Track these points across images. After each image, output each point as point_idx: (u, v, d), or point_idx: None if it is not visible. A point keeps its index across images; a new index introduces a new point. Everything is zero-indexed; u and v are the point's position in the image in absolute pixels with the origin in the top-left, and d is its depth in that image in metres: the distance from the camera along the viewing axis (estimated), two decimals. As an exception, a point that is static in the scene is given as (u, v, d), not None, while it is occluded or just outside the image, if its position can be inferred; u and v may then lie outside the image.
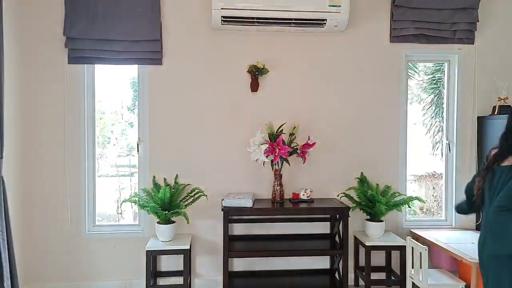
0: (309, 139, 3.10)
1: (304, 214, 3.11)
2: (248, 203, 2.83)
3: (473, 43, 3.33)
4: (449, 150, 3.45)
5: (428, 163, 4.32)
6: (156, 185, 3.05)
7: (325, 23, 3.06)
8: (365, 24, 3.30)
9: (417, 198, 3.15)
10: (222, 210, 2.83)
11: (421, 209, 6.26)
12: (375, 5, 3.30)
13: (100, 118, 3.98)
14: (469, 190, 2.07)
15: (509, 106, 3.20)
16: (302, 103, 3.29)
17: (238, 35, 3.23)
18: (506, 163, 1.84)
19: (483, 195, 1.90)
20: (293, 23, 3.04)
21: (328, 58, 3.30)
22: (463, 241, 3.00)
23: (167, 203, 2.82)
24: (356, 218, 3.25)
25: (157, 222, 2.94)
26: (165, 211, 2.80)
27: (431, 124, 5.94)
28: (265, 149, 2.91)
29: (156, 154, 3.19)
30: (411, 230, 3.31)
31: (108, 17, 3.04)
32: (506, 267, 1.74)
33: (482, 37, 3.34)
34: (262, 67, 3.17)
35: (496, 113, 3.24)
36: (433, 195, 5.27)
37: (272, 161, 3.01)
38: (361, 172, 3.33)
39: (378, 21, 3.31)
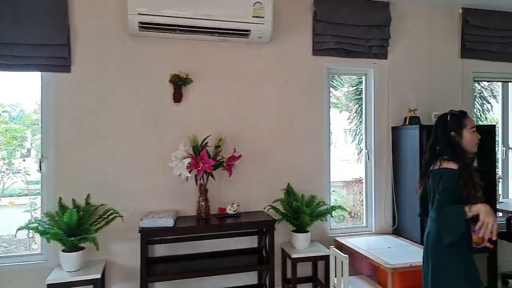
0: (235, 151, 3.02)
1: (230, 229, 3.01)
2: (169, 223, 2.65)
3: (386, 58, 3.54)
4: (368, 159, 3.62)
5: (355, 168, 4.53)
6: (63, 207, 2.70)
7: (249, 34, 3.02)
8: (289, 36, 3.34)
9: (339, 207, 3.24)
10: (139, 232, 2.61)
11: (349, 213, 6.56)
12: (298, 19, 3.35)
13: (6, 131, 3.51)
14: (420, 196, 2.33)
15: (418, 117, 3.46)
16: (228, 114, 3.21)
17: (159, 42, 3.05)
18: (434, 167, 2.07)
19: (428, 197, 2.15)
20: (217, 32, 2.95)
21: (253, 69, 3.27)
22: (381, 246, 3.15)
23: (74, 227, 2.50)
24: (284, 230, 3.25)
25: (62, 250, 2.59)
26: (72, 237, 2.48)
27: (356, 133, 6.30)
28: (188, 163, 2.76)
29: (63, 172, 2.85)
30: (335, 238, 3.39)
31: (6, 18, 2.66)
32: (444, 253, 2.01)
33: (394, 53, 3.58)
34: (185, 76, 3.02)
35: (407, 123, 3.48)
36: (359, 200, 5.54)
37: (196, 175, 2.87)
38: (288, 183, 3.34)
39: (301, 34, 3.36)
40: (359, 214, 5.35)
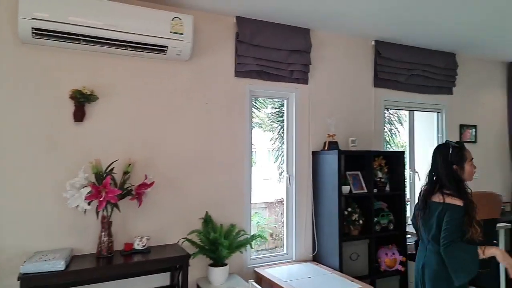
0: (146, 178, 2.70)
1: (137, 269, 2.65)
2: (58, 266, 2.20)
3: (307, 83, 3.56)
4: (289, 184, 3.56)
5: (277, 188, 4.43)
6: None
7: (166, 50, 2.77)
8: (211, 56, 3.16)
9: (259, 235, 3.09)
10: (18, 279, 2.13)
11: (271, 235, 6.48)
12: (220, 38, 3.20)
13: None
14: (414, 224, 2.34)
15: (337, 142, 3.51)
16: (140, 137, 2.89)
17: (60, 52, 2.63)
18: (435, 199, 2.11)
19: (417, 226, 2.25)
20: (129, 46, 2.65)
21: (171, 88, 3.01)
22: (302, 276, 3.06)
23: None
24: (201, 264, 2.98)
25: None
26: None
27: (279, 154, 6.33)
28: (87, 194, 2.37)
29: None
30: (255, 269, 3.22)
31: None
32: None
33: (314, 78, 3.62)
34: (89, 93, 2.64)
35: (326, 148, 3.51)
36: (281, 221, 5.50)
37: (97, 207, 2.47)
38: (206, 212, 3.10)
39: (224, 54, 3.21)
40: (280, 235, 5.30)
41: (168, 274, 2.92)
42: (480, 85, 4.66)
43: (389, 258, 3.48)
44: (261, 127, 6.91)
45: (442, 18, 3.32)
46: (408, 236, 3.64)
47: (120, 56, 2.79)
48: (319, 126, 3.62)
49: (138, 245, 2.67)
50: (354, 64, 3.85)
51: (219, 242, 2.82)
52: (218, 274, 2.86)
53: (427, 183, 2.23)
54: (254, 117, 6.28)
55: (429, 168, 2.24)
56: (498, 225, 3.59)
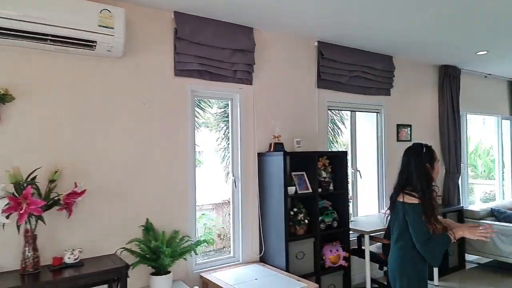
0: (76, 186, 2.47)
1: (67, 285, 2.42)
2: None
3: (251, 84, 3.52)
4: (235, 186, 3.49)
5: (224, 189, 4.34)
6: None
7: (95, 46, 2.55)
8: (148, 53, 2.99)
9: (204, 241, 2.99)
10: None
11: (219, 236, 6.37)
12: (158, 35, 3.04)
13: None
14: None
15: (282, 143, 3.51)
16: (68, 141, 2.64)
17: (-33, 46, 2.32)
18: (399, 198, 2.19)
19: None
20: (50, 40, 2.40)
21: (103, 87, 2.79)
22: (248, 278, 3.01)
23: None
24: (142, 273, 2.82)
25: None
26: None
27: (224, 155, 6.24)
28: (5, 206, 2.11)
29: None
30: (201, 274, 3.12)
31: None
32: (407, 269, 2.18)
33: (259, 79, 3.58)
34: (3, 92, 2.36)
35: (272, 150, 3.49)
36: (229, 222, 5.42)
37: (17, 221, 2.21)
38: (147, 219, 2.93)
39: (162, 52, 3.05)
40: (228, 236, 5.23)
41: (106, 286, 2.71)
42: (415, 86, 4.94)
43: (333, 254, 3.55)
44: (208, 126, 6.78)
45: (381, 22, 3.45)
46: (351, 232, 3.75)
47: (42, 51, 2.53)
48: (265, 127, 3.59)
49: (69, 259, 2.45)
50: (298, 65, 3.87)
51: (161, 250, 2.68)
52: (160, 283, 2.71)
53: (396, 184, 2.29)
54: (198, 117, 6.16)
55: (399, 169, 2.30)
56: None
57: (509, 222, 4.61)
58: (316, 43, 3.94)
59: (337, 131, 6.75)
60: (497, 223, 4.62)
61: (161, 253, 2.66)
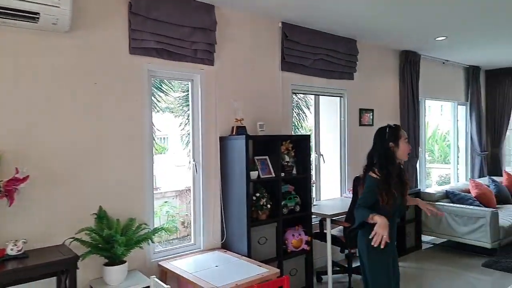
0: (17, 172, 2.26)
1: (10, 278, 2.23)
2: None
3: (213, 64, 3.37)
4: (196, 171, 3.37)
5: (189, 176, 4.23)
6: None
7: (38, 18, 2.31)
8: (99, 28, 2.76)
9: (162, 228, 2.87)
10: None
11: (182, 223, 6.23)
12: (110, 8, 2.80)
13: None
14: None
15: (245, 126, 3.41)
16: (7, 123, 2.40)
17: None
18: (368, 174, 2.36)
19: None
20: (-17, 9, 2.14)
21: (48, 64, 2.55)
22: (209, 266, 2.93)
23: None
24: (95, 264, 2.66)
25: None
26: None
27: (188, 141, 6.07)
28: None
29: None
30: (159, 263, 3.00)
31: None
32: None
33: (220, 59, 3.44)
34: None
35: (234, 133, 3.39)
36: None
37: None
38: (100, 206, 2.76)
39: (115, 28, 2.83)
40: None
41: (54, 279, 2.54)
42: (377, 71, 4.99)
43: (296, 239, 3.55)
44: (173, 112, 6.55)
45: (345, 5, 3.39)
46: (314, 216, 3.76)
47: (-23, 22, 2.26)
48: (227, 110, 3.47)
49: (12, 251, 2.25)
50: (262, 46, 3.76)
51: (115, 239, 2.53)
52: (114, 273, 2.58)
53: (366, 164, 2.44)
54: (160, 101, 5.92)
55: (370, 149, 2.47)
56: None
57: (462, 204, 4.83)
58: (280, 24, 3.84)
59: (303, 116, 6.75)
60: (451, 204, 4.83)
61: (115, 242, 2.51)
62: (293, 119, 5.07)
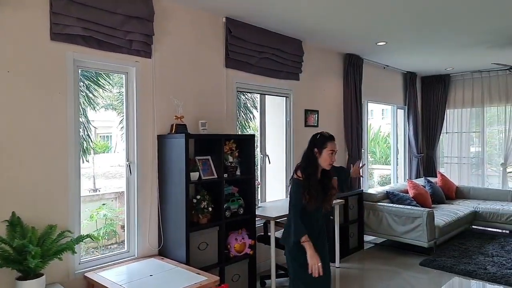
0: None
1: None
2: None
3: (150, 57, 3.13)
4: (130, 173, 3.10)
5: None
6: None
7: None
8: (13, 8, 2.41)
9: (88, 236, 2.57)
10: None
11: (122, 227, 5.82)
12: (28, -13, 2.47)
13: None
14: None
15: (185, 124, 3.21)
16: None
17: None
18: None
19: None
20: None
21: None
22: (143, 275, 2.69)
23: None
24: (7, 278, 2.32)
25: None
26: None
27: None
28: None
29: None
30: (85, 274, 2.70)
31: None
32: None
33: (159, 52, 3.21)
34: None
35: (173, 131, 3.17)
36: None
37: None
38: (13, 212, 2.41)
39: (32, 9, 2.49)
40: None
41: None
42: (322, 73, 5.02)
43: (239, 243, 3.41)
44: (116, 109, 6.12)
45: (290, 3, 3.33)
46: (258, 219, 3.65)
47: None
48: (166, 107, 3.25)
49: None
50: (205, 41, 3.58)
51: (29, 250, 2.20)
52: (27, 289, 2.25)
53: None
54: (98, 97, 5.50)
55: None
56: (334, 202, 3.90)
57: (401, 204, 5.00)
58: (224, 20, 3.69)
59: (250, 116, 6.67)
60: (391, 205, 4.99)
61: (28, 254, 2.19)
62: (241, 119, 4.95)
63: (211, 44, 3.64)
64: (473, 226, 5.68)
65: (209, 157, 3.36)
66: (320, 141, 2.44)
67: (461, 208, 5.53)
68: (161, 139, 3.20)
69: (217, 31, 3.68)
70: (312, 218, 2.43)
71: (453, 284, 3.90)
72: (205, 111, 3.58)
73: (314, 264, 2.27)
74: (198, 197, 3.18)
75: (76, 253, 2.50)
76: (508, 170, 6.55)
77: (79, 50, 2.71)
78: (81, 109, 5.15)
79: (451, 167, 7.09)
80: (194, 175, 3.14)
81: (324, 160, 2.43)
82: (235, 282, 3.41)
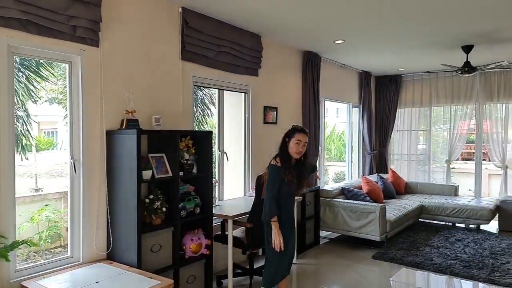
0: None
1: None
2: None
3: (97, 46, 2.88)
4: (75, 171, 2.85)
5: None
6: None
7: None
8: None
9: (24, 241, 2.32)
10: None
11: (67, 229, 5.43)
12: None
13: None
14: None
15: (137, 119, 3.01)
16: None
17: None
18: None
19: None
20: None
21: None
22: (88, 282, 2.48)
23: None
24: None
25: None
26: None
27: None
28: None
29: None
30: (22, 283, 2.44)
31: None
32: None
33: (108, 41, 2.97)
34: None
35: (124, 126, 2.96)
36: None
37: None
38: None
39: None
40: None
41: None
42: (281, 69, 4.99)
43: (195, 243, 3.27)
44: (61, 103, 5.69)
45: (247, -6, 3.24)
46: (215, 218, 3.53)
47: None
48: (116, 100, 3.02)
49: None
50: (159, 31, 3.38)
51: (-50, 260, 1.93)
52: None
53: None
54: (40, 89, 5.05)
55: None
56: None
57: (355, 200, 5.11)
58: (180, 9, 3.51)
59: (207, 112, 6.50)
60: (346, 201, 5.08)
61: (-51, 265, 1.91)
62: (198, 115, 4.77)
63: (166, 34, 3.45)
64: (420, 219, 5.96)
65: (163, 155, 3.18)
66: (291, 131, 2.80)
67: (410, 202, 5.78)
68: (110, 135, 2.97)
69: (173, 22, 3.50)
70: (286, 201, 2.81)
71: (401, 275, 4.05)
72: (160, 105, 3.39)
73: (276, 240, 2.71)
74: (151, 196, 3.01)
75: (9, 260, 2.24)
76: (451, 166, 6.97)
77: (14, 35, 2.43)
78: (19, 102, 4.69)
79: (401, 163, 7.41)
80: (147, 174, 2.95)
81: (291, 148, 2.76)
82: (191, 284, 3.28)
